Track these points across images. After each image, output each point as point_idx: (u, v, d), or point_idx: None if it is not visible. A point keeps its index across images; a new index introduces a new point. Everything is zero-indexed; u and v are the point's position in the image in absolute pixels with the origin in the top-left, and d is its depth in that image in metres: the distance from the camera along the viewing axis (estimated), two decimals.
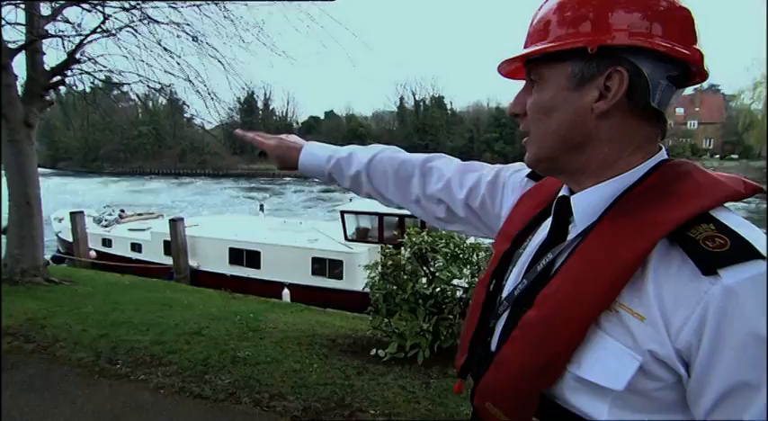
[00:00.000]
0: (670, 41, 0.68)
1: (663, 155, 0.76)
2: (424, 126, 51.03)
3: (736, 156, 42.04)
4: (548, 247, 0.80)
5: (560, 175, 0.81)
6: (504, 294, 0.86)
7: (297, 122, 59.18)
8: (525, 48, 0.76)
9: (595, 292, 0.66)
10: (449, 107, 52.00)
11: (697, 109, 47.83)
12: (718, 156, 43.54)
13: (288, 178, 45.76)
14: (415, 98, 54.29)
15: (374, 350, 4.05)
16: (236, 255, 11.69)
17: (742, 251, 0.60)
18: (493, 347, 0.84)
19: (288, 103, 59.84)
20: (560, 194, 0.82)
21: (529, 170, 0.98)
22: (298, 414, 3.12)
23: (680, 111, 47.73)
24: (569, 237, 0.77)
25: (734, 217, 0.67)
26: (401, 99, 55.54)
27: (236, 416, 3.13)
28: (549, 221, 0.85)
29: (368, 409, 3.14)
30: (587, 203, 0.75)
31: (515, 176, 1.02)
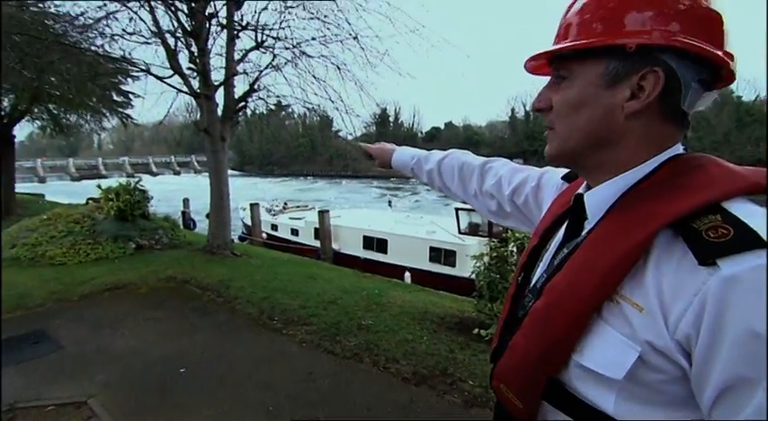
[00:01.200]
0: (705, 43, 0.58)
1: (677, 149, 0.65)
2: (533, 133, 47.73)
3: None
4: (565, 243, 0.73)
5: (581, 171, 0.73)
6: (531, 286, 0.79)
7: (421, 132, 59.48)
8: (556, 43, 0.68)
9: (594, 284, 0.59)
10: None
11: None
12: None
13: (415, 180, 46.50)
14: (525, 108, 51.21)
15: (477, 329, 3.93)
16: (368, 242, 12.15)
17: (745, 240, 0.50)
18: None
19: (414, 117, 60.61)
20: (578, 192, 0.74)
21: (564, 172, 0.90)
22: (408, 376, 3.15)
23: None
24: (583, 233, 0.69)
25: (751, 207, 0.55)
26: (512, 110, 52.82)
27: (358, 372, 3.26)
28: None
29: (467, 380, 3.08)
30: (597, 199, 0.68)
31: (554, 177, 0.94)
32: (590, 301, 0.60)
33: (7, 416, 2.68)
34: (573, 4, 0.67)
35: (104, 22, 6.37)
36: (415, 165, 1.23)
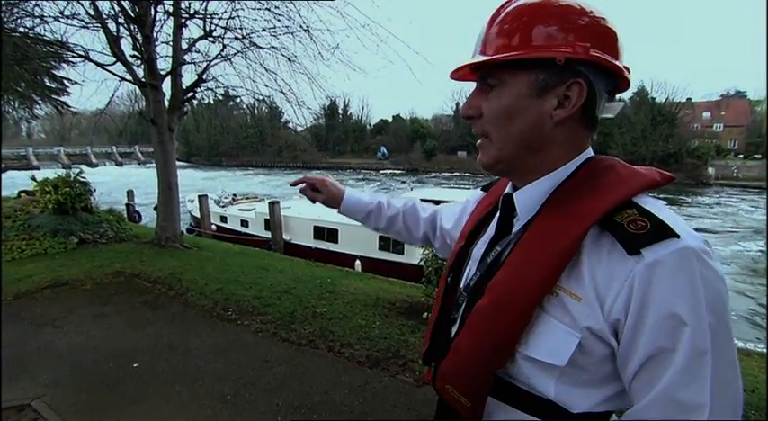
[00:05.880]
0: (611, 58, 0.64)
1: (590, 152, 0.71)
2: None
3: (759, 156, 37.43)
4: (496, 241, 0.75)
5: (513, 175, 0.74)
6: (463, 285, 0.80)
7: (369, 125, 59.19)
8: (483, 53, 0.67)
9: (536, 279, 0.62)
10: None
11: (723, 113, 42.85)
12: (741, 155, 38.89)
13: (366, 170, 46.36)
14: None
15: (426, 313, 4.07)
16: (319, 232, 12.01)
17: (660, 231, 0.57)
18: (453, 335, 0.77)
19: (362, 109, 59.94)
20: (505, 192, 0.76)
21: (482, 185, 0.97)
22: (362, 360, 3.22)
23: (707, 115, 43.09)
24: (514, 230, 0.72)
25: (653, 202, 0.63)
26: (456, 104, 53.89)
27: (314, 358, 3.28)
28: (497, 218, 0.79)
29: (418, 361, 3.17)
30: (527, 198, 0.71)
31: (475, 195, 0.99)
32: (534, 296, 0.62)
33: None
34: (496, 15, 0.67)
35: (33, 2, 5.75)
36: (375, 208, 1.16)
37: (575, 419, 0.64)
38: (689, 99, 42.01)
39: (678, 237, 0.56)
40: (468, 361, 0.69)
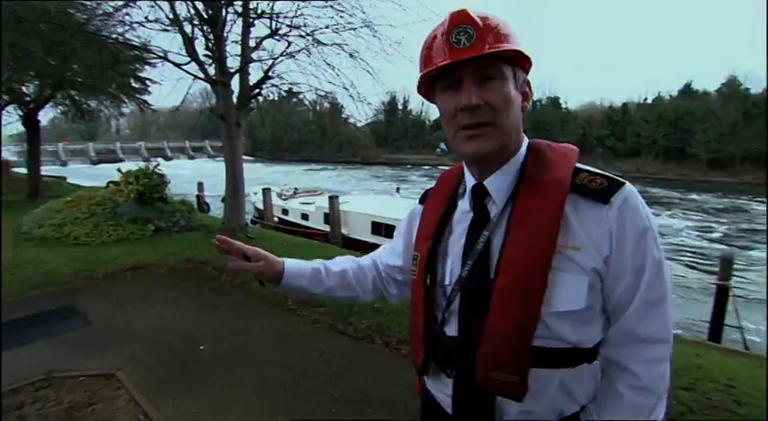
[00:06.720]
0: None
1: (525, 137, 0.84)
2: (539, 123, 47.08)
3: None
4: (478, 228, 0.81)
5: (496, 162, 0.81)
6: (449, 282, 0.84)
7: (429, 120, 58.70)
8: (483, 48, 0.73)
9: (544, 247, 0.73)
10: (563, 106, 47.00)
11: None
12: None
13: (426, 166, 46.11)
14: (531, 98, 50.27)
15: None
16: (376, 227, 12.13)
17: (614, 183, 0.76)
18: (453, 332, 0.83)
19: (422, 104, 59.34)
20: (471, 184, 0.85)
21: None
22: None
23: None
24: (492, 215, 0.81)
25: (587, 166, 0.80)
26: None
27: (369, 353, 3.29)
28: (461, 211, 0.87)
29: None
30: (501, 183, 0.81)
31: (415, 210, 1.04)
32: (547, 262, 0.73)
33: (44, 384, 2.78)
34: (475, 16, 0.74)
35: (125, 10, 6.34)
36: (320, 267, 1.10)
37: (587, 355, 0.79)
38: None
39: (624, 184, 0.76)
40: (509, 339, 0.75)
